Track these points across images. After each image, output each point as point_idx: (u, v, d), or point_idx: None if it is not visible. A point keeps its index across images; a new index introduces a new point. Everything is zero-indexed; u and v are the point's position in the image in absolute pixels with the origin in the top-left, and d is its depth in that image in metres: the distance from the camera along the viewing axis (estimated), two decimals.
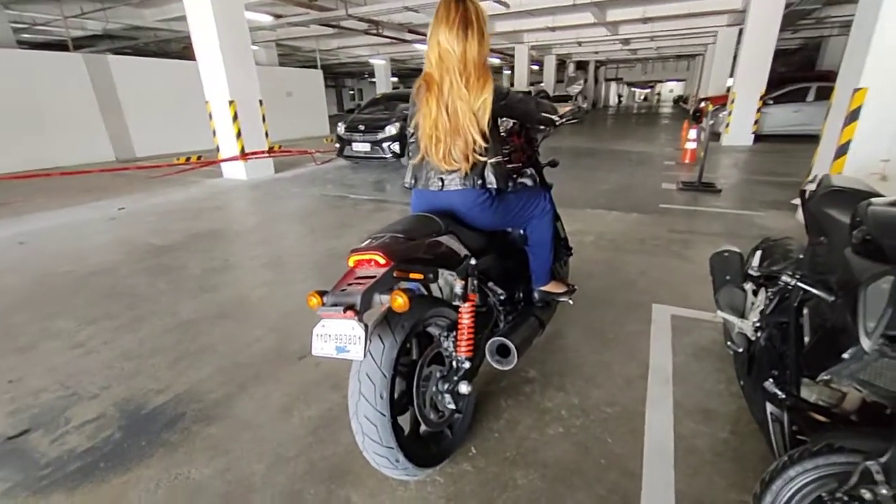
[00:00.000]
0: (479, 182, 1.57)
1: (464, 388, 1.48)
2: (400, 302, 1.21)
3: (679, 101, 28.78)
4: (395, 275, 1.29)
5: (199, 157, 8.94)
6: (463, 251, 1.55)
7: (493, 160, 1.57)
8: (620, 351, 2.24)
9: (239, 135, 7.21)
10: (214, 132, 7.36)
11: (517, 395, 1.94)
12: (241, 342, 2.44)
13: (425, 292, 1.61)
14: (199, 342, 2.46)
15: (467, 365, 1.50)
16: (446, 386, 1.49)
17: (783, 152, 8.57)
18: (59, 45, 10.82)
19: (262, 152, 7.65)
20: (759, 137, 9.94)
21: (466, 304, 1.51)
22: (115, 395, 2.03)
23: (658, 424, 1.74)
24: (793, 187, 5.23)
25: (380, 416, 1.28)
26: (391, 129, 7.77)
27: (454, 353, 1.52)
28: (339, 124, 8.44)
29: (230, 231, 4.67)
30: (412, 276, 1.34)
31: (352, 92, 36.58)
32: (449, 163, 1.53)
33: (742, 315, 1.79)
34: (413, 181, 1.70)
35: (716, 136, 10.20)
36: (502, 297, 1.75)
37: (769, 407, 1.32)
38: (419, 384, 1.43)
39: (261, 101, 7.52)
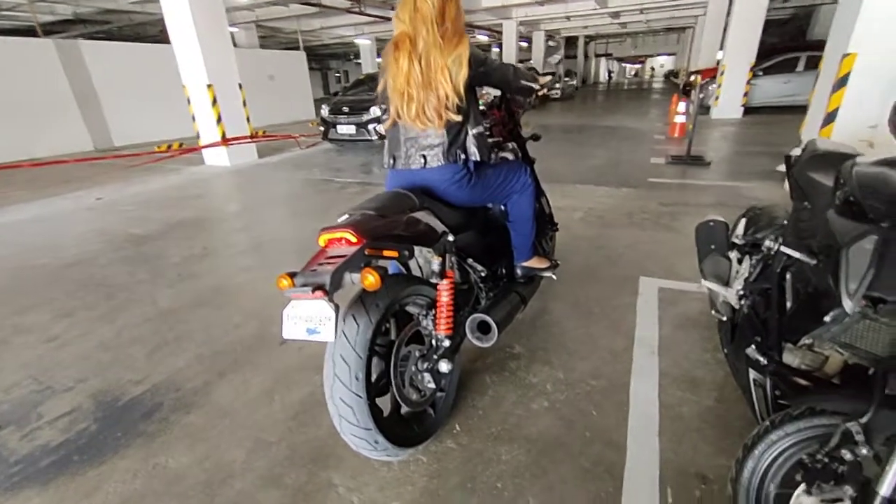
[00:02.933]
0: (462, 157, 1.51)
1: (444, 366, 1.44)
2: (371, 280, 1.16)
3: (670, 75, 28.49)
4: (367, 252, 1.23)
5: (179, 145, 8.70)
6: (440, 228, 1.50)
7: (474, 131, 1.51)
8: (606, 324, 2.22)
9: (219, 120, 7.01)
10: (194, 118, 7.15)
11: (502, 371, 1.92)
12: (221, 329, 2.39)
13: (404, 271, 1.56)
14: (178, 331, 2.40)
15: (447, 343, 1.46)
16: (426, 365, 1.45)
17: (772, 123, 8.53)
18: (28, 32, 10.38)
19: (245, 138, 7.46)
20: (748, 110, 9.88)
21: (445, 282, 1.46)
22: (91, 387, 1.98)
23: (643, 395, 1.72)
24: (782, 157, 5.22)
25: (356, 399, 1.24)
26: (376, 111, 7.59)
27: (433, 332, 1.48)
28: (323, 107, 8.25)
29: (211, 218, 4.56)
30: (385, 253, 1.29)
31: (337, 74, 35.80)
32: (423, 122, 1.47)
33: (726, 284, 1.76)
34: (391, 160, 1.64)
35: (705, 109, 10.13)
36: (483, 274, 1.71)
37: (752, 373, 1.30)
38: (397, 364, 1.39)
39: (240, 85, 7.30)
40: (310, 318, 1.15)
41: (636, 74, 57.24)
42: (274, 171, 6.78)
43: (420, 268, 1.68)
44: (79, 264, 3.42)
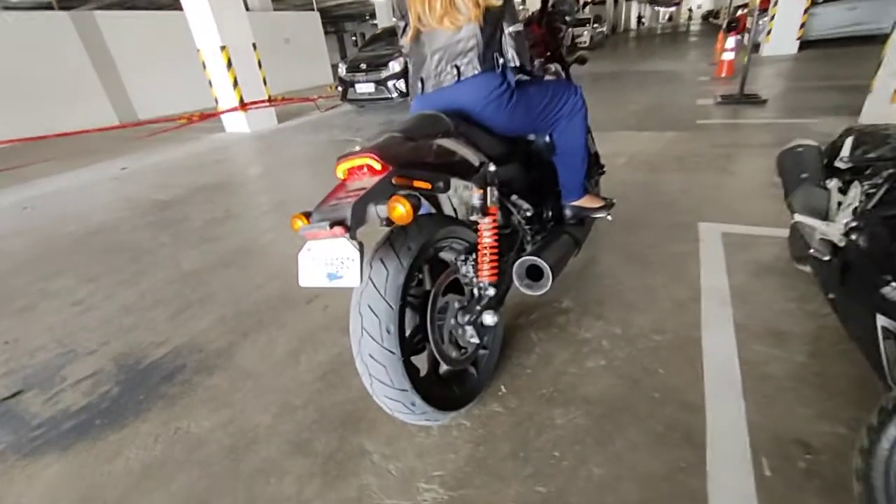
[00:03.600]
0: (500, 62, 1.25)
1: (489, 318, 1.23)
2: (401, 211, 0.94)
3: (709, 17, 26.16)
4: (394, 182, 1.01)
5: (200, 115, 8.60)
6: (479, 157, 1.26)
7: (511, 29, 1.24)
8: (666, 274, 1.96)
9: (235, 83, 6.80)
10: (210, 83, 6.97)
11: (549, 326, 1.70)
12: (244, 290, 2.26)
13: (433, 210, 1.34)
14: (201, 292, 2.29)
15: (491, 292, 1.24)
16: (467, 318, 1.24)
17: (835, 57, 7.62)
18: (44, 7, 10.30)
19: (262, 102, 7.25)
20: (804, 44, 8.87)
21: (487, 220, 1.23)
22: (114, 350, 1.89)
23: (719, 351, 1.48)
24: (855, 92, 4.61)
25: (388, 355, 1.05)
26: (395, 66, 7.21)
27: (475, 279, 1.27)
28: (340, 65, 7.90)
29: (233, 182, 4.44)
30: (416, 184, 1.06)
31: (354, 38, 34.74)
32: (453, 18, 1.21)
33: (825, 217, 1.46)
34: (419, 84, 1.39)
35: (754, 46, 9.16)
36: (528, 214, 1.46)
37: (881, 320, 1.03)
38: (434, 317, 1.19)
39: (254, 45, 7.02)
40: (330, 261, 0.96)
41: (670, 18, 53.10)
42: (294, 134, 6.58)
43: (454, 208, 1.45)
44: (104, 231, 3.36)
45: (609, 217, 1.67)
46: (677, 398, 1.32)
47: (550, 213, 1.65)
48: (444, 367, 1.30)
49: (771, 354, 1.44)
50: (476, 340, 1.26)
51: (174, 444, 1.38)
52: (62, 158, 6.47)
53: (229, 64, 6.67)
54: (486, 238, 1.23)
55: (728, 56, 6.84)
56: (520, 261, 1.26)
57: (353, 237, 0.93)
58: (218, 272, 2.49)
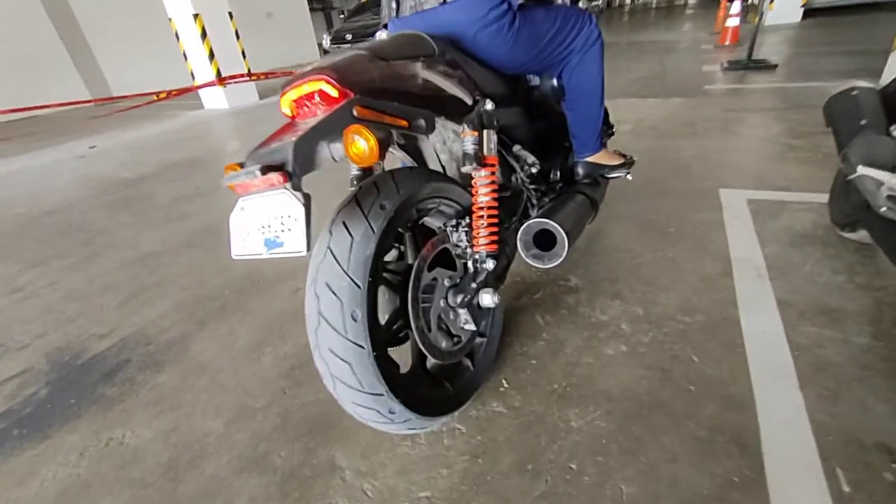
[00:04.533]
0: None
1: (487, 298, 0.97)
2: (361, 146, 0.67)
3: None
4: (356, 114, 0.73)
5: (177, 91, 8.13)
6: (473, 92, 0.98)
7: None
8: (688, 245, 1.70)
9: (212, 56, 6.36)
10: (185, 55, 6.52)
11: (557, 308, 1.45)
12: (208, 272, 1.98)
13: (412, 163, 1.07)
14: (159, 275, 2.01)
15: (490, 265, 0.98)
16: (460, 298, 0.98)
17: (842, 25, 7.29)
18: None
19: (241, 76, 6.82)
20: (808, 13, 8.53)
21: (484, 172, 0.96)
22: (49, 343, 1.62)
23: (763, 332, 1.24)
24: (868, 55, 4.34)
25: (354, 349, 0.79)
26: (382, 36, 6.78)
27: (469, 250, 1.00)
28: (325, 36, 7.47)
29: (207, 158, 4.10)
30: (388, 119, 0.79)
31: (341, 14, 33.62)
32: None
33: (893, 169, 1.21)
34: (394, 5, 1.11)
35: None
36: (533, 171, 1.19)
37: None
38: (417, 298, 0.93)
39: (231, 14, 6.56)
40: (267, 223, 0.69)
41: None
42: (275, 110, 6.19)
43: (442, 164, 1.17)
44: (59, 211, 3.04)
45: (629, 176, 1.40)
46: (719, 392, 1.08)
47: (559, 173, 1.38)
48: (431, 361, 1.04)
49: (825, 336, 1.20)
50: (472, 327, 1.00)
51: (103, 460, 1.12)
52: (26, 137, 6.06)
53: (203, 34, 6.22)
54: (484, 196, 0.96)
55: (732, 22, 6.48)
56: (526, 225, 1.00)
57: (296, 188, 0.66)
58: (181, 253, 2.21)
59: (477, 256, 0.98)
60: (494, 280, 0.99)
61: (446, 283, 0.99)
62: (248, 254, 0.72)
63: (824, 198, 1.87)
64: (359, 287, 0.79)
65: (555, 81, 1.33)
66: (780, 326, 1.25)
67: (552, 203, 1.16)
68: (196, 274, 1.99)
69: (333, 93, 0.74)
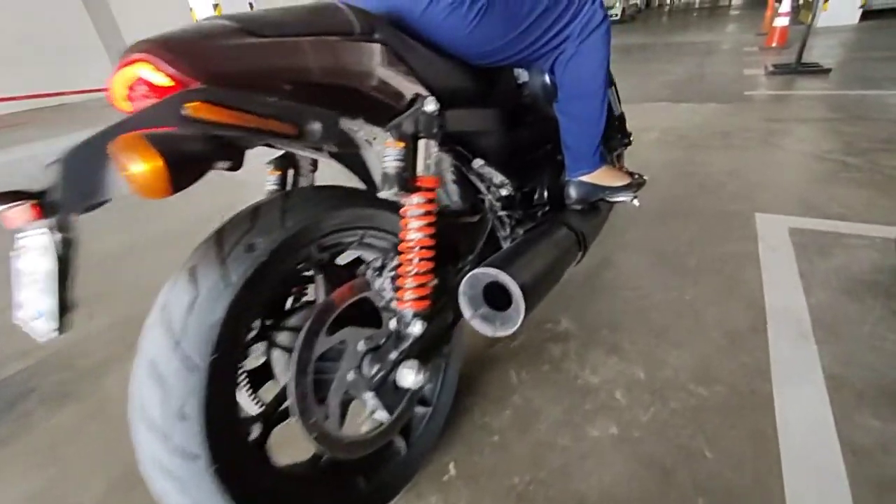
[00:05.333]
0: None
1: (409, 377, 0.70)
2: (134, 171, 0.42)
3: None
4: (187, 112, 0.48)
5: None
6: (412, 86, 0.71)
7: None
8: (712, 286, 1.38)
9: None
10: None
11: (538, 361, 1.17)
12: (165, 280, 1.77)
13: (274, 186, 0.82)
14: (109, 284, 1.82)
15: (418, 329, 0.71)
16: (375, 369, 0.71)
17: None
18: None
19: None
20: (866, 14, 7.83)
21: (416, 198, 0.69)
22: None
23: (803, 422, 0.92)
24: None
25: (180, 461, 0.54)
26: None
27: (393, 304, 0.73)
28: None
29: None
30: (248, 121, 0.53)
31: None
32: None
33: None
34: None
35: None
36: (504, 193, 0.91)
37: None
38: (305, 370, 0.66)
39: (251, 5, 6.47)
40: (31, 278, 0.44)
41: None
42: None
43: (376, 178, 0.91)
44: None
45: (636, 201, 1.10)
46: None
47: (547, 193, 1.09)
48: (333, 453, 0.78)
49: (894, 436, 0.88)
50: (383, 416, 0.73)
51: None
52: (46, 124, 6.13)
53: None
54: (414, 231, 0.69)
55: (781, 22, 5.95)
56: (470, 275, 0.71)
57: (60, 227, 0.41)
58: (147, 255, 2.02)
59: (402, 313, 0.71)
60: (424, 351, 0.72)
61: (361, 346, 0.72)
62: (22, 324, 0.47)
63: (890, 232, 1.51)
64: (195, 367, 0.53)
65: (546, 77, 1.04)
66: (829, 414, 0.93)
67: (517, 241, 0.87)
68: (152, 282, 1.79)
69: (160, 80, 0.49)
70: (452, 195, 0.89)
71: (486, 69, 0.92)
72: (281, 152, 0.86)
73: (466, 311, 0.71)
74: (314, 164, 0.91)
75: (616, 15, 15.01)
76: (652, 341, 1.19)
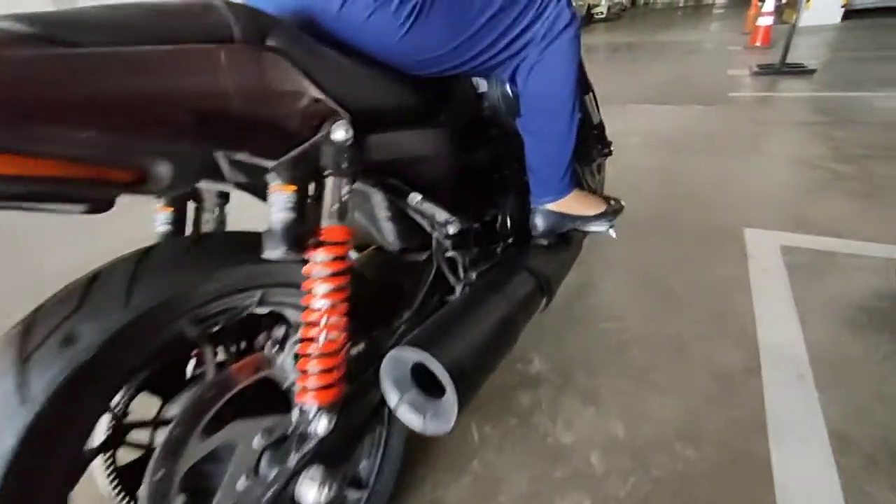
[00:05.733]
0: None
1: (310, 494, 0.53)
2: None
3: None
4: None
5: None
6: (319, 107, 0.55)
7: None
8: (700, 316, 1.25)
9: None
10: None
11: (505, 413, 1.01)
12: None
13: (167, 227, 0.66)
14: None
15: (322, 427, 0.54)
16: (273, 473, 0.55)
17: (887, 27, 6.63)
18: None
19: None
20: (848, 14, 7.85)
21: (322, 256, 0.53)
22: None
23: (807, 495, 0.79)
24: None
25: None
26: None
27: (298, 399, 0.56)
28: None
29: None
30: (41, 169, 0.36)
31: None
32: None
33: None
34: None
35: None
36: (450, 231, 0.75)
37: None
38: (159, 491, 0.49)
39: None
40: None
41: None
42: None
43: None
44: None
45: (612, 232, 0.95)
46: None
47: (510, 222, 0.93)
48: None
49: None
50: None
51: None
52: None
53: None
54: (318, 298, 0.53)
55: (764, 21, 5.89)
56: (390, 356, 0.55)
57: None
58: None
59: (304, 408, 0.54)
60: (332, 457, 0.55)
61: (257, 443, 0.56)
62: None
63: (889, 251, 1.40)
64: None
65: (507, 87, 0.89)
66: (837, 484, 0.80)
67: (456, 303, 0.69)
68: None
69: None
70: (387, 235, 0.73)
71: (432, 80, 0.77)
72: None
73: (390, 398, 0.56)
74: (223, 195, 0.75)
75: (602, 13, 14.99)
76: (633, 387, 1.04)
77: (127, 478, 0.59)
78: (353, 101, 0.60)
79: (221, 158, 0.49)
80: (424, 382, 0.55)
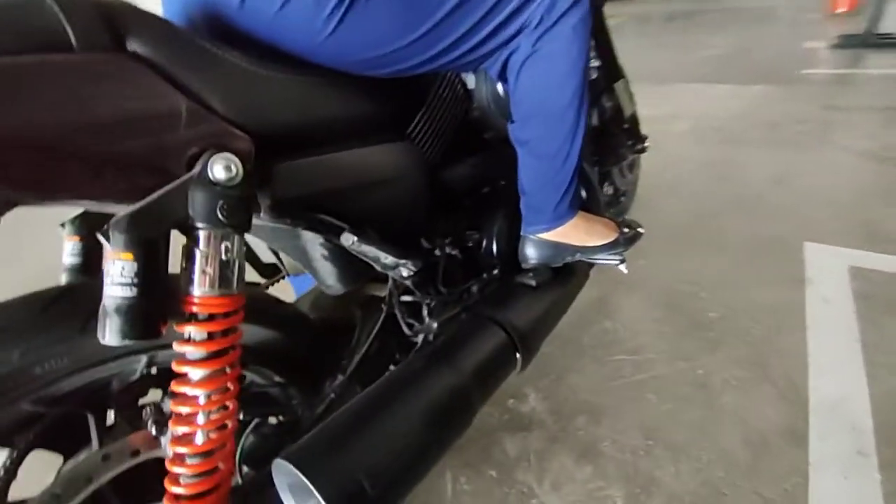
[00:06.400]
0: None
1: None
2: None
3: None
4: None
5: None
6: (196, 131, 0.41)
7: None
8: (737, 353, 1.04)
9: None
10: None
11: (486, 461, 0.88)
12: None
13: (75, 259, 0.55)
14: None
15: None
16: None
17: None
18: None
19: None
20: None
21: (195, 331, 0.40)
22: None
23: None
24: None
25: None
26: None
27: None
28: None
29: None
30: None
31: None
32: None
33: None
34: None
35: None
36: (404, 273, 0.60)
37: None
38: None
39: None
40: None
41: None
42: None
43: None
44: None
45: (623, 268, 0.77)
46: None
47: (495, 249, 0.77)
48: None
49: None
50: None
51: None
52: None
53: None
54: (192, 386, 0.41)
55: None
56: (276, 462, 0.41)
57: None
58: None
59: None
60: None
61: None
62: None
63: None
64: None
65: (497, 85, 0.72)
66: None
67: (380, 382, 0.51)
68: None
69: None
70: (325, 277, 0.58)
71: (399, 80, 0.61)
72: (81, 210, 0.59)
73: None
74: None
75: None
76: (643, 445, 0.88)
77: None
78: (259, 118, 0.46)
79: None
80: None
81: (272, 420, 0.55)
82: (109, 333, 0.35)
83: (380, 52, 0.54)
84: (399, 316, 0.63)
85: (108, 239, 0.36)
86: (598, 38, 1.01)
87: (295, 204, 0.49)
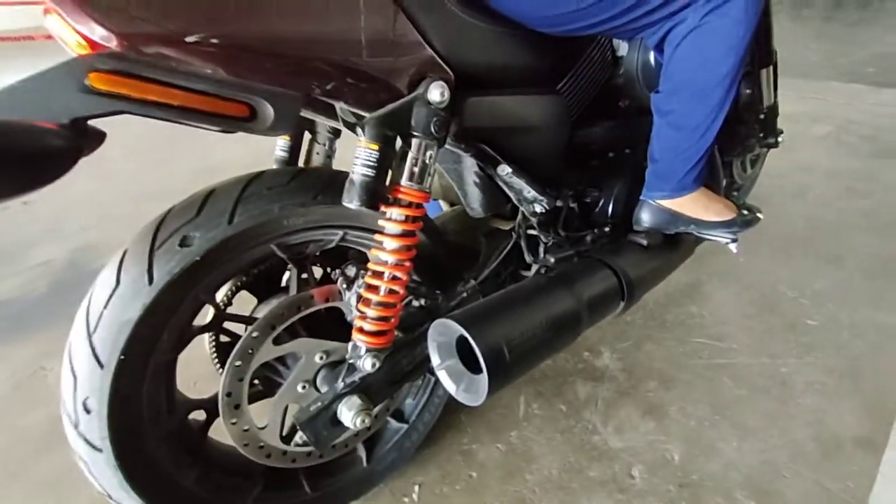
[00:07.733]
0: None
1: (347, 414, 0.59)
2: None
3: None
4: (88, 83, 0.40)
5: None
6: (421, 62, 0.55)
7: None
8: (828, 365, 1.04)
9: None
10: None
11: (557, 396, 1.00)
12: None
13: (283, 154, 0.73)
14: None
15: (369, 365, 0.59)
16: (323, 391, 0.63)
17: None
18: None
19: None
20: None
21: (396, 213, 0.55)
22: None
23: None
24: None
25: (86, 448, 0.53)
26: None
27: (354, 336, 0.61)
28: None
29: None
30: (169, 97, 0.43)
31: None
32: None
33: None
34: None
35: None
36: (537, 210, 0.70)
37: None
38: (237, 375, 0.60)
39: None
40: None
41: None
42: None
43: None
44: None
45: (734, 247, 0.81)
46: None
47: (611, 209, 0.85)
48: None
49: None
50: (307, 449, 0.65)
51: None
52: None
53: None
54: (386, 253, 0.56)
55: None
56: (438, 322, 0.56)
57: None
58: None
59: (357, 348, 0.59)
60: (372, 392, 0.60)
61: (318, 359, 0.64)
62: None
63: None
64: (99, 365, 0.50)
65: (650, 54, 0.77)
66: None
67: (520, 286, 0.66)
68: None
69: (69, 38, 0.40)
70: (471, 200, 0.71)
71: (560, 39, 0.69)
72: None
73: (434, 359, 0.58)
74: (335, 130, 0.80)
75: None
76: (710, 417, 0.94)
77: (224, 355, 0.73)
78: (461, 58, 0.57)
79: (319, 106, 0.52)
80: (467, 354, 0.56)
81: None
82: (352, 197, 0.50)
83: (560, 11, 0.63)
84: (524, 245, 0.75)
85: (362, 132, 0.50)
86: (760, 19, 0.99)
87: (471, 133, 0.61)
